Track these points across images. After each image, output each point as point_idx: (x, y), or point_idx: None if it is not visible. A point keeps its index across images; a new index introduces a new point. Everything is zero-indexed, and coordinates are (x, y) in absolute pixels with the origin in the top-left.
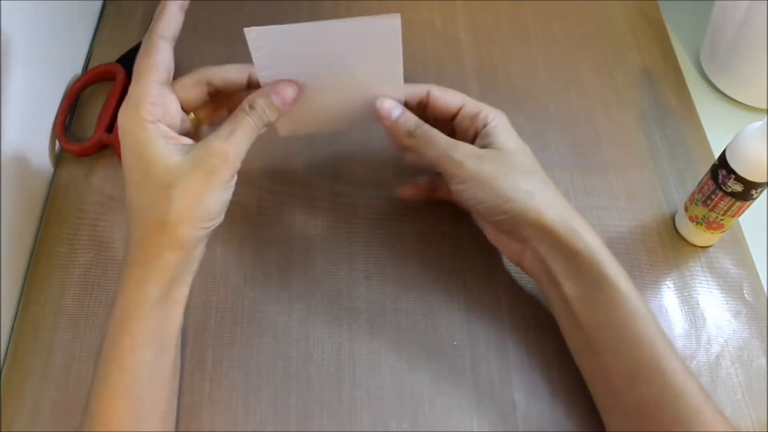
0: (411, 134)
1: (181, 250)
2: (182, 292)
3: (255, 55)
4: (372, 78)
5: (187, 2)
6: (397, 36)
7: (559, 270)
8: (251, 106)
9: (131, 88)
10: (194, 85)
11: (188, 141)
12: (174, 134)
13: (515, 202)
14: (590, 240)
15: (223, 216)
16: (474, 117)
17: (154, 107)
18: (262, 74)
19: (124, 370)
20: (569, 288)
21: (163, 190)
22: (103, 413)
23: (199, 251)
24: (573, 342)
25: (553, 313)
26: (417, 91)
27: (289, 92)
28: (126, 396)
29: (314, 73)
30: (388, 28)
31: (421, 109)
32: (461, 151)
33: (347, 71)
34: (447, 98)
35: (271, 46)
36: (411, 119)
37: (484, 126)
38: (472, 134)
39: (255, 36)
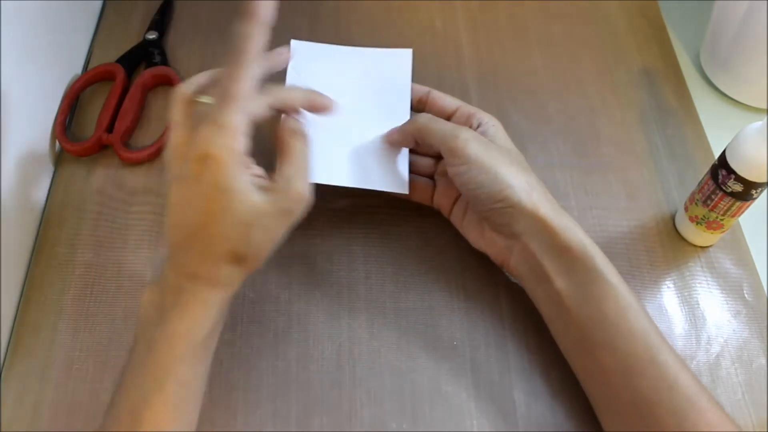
0: (413, 122)
1: (243, 280)
2: (224, 314)
3: (291, 61)
4: (382, 99)
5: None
6: (408, 65)
7: (551, 265)
8: (302, 135)
9: (222, 111)
10: (264, 109)
11: (259, 172)
12: (249, 164)
13: (515, 189)
14: (582, 236)
15: None
16: (470, 116)
17: (245, 139)
18: (291, 73)
19: (182, 384)
20: (561, 284)
21: (243, 227)
22: (151, 423)
23: None
24: (565, 342)
25: (542, 314)
26: (419, 89)
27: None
28: (178, 408)
29: (333, 84)
30: (401, 58)
31: (420, 108)
32: (467, 132)
33: (362, 89)
34: (445, 99)
35: (305, 56)
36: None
37: (479, 125)
38: None
39: (296, 46)
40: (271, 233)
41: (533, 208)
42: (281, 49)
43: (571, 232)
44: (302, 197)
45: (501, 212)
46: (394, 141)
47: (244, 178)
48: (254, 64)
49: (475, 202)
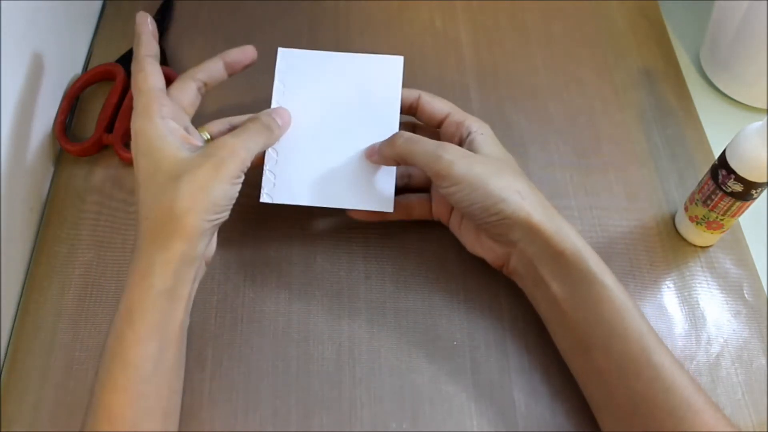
0: (393, 144)
1: (186, 240)
2: (186, 289)
3: (278, 67)
4: (370, 108)
5: (156, 29)
6: (399, 72)
7: (546, 270)
8: (255, 118)
9: (136, 100)
10: (183, 88)
11: (198, 142)
12: (184, 132)
13: (507, 202)
14: (576, 239)
15: (228, 212)
16: (460, 124)
17: (162, 107)
18: (278, 86)
19: (127, 364)
20: (557, 288)
21: (171, 181)
22: (105, 407)
23: (203, 246)
24: (562, 343)
25: (540, 315)
26: (409, 94)
27: (286, 116)
28: (128, 390)
29: (321, 94)
30: (392, 64)
31: (411, 113)
32: (451, 151)
33: (350, 98)
34: (435, 104)
35: (292, 64)
36: (387, 138)
37: (469, 134)
38: (457, 141)
39: (283, 54)
40: (200, 183)
41: (526, 217)
42: (246, 48)
43: (565, 236)
44: (232, 148)
45: (496, 224)
46: (375, 162)
47: (170, 139)
48: (151, 58)
49: (469, 217)
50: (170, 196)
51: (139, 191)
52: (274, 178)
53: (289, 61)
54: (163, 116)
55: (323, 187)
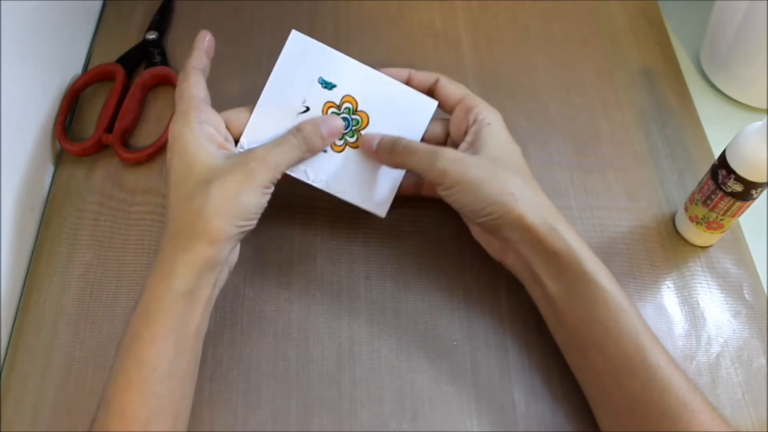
0: (391, 151)
1: (211, 243)
2: (206, 293)
3: (284, 52)
4: (393, 128)
5: (212, 47)
6: (430, 114)
7: (542, 270)
8: (298, 129)
9: (177, 106)
10: (245, 110)
11: (233, 149)
12: (220, 139)
13: (497, 205)
14: (570, 239)
15: (256, 221)
16: (468, 110)
17: (200, 112)
18: (278, 71)
19: (142, 363)
20: (553, 287)
21: (202, 185)
22: (118, 405)
23: (227, 251)
24: (560, 340)
25: (540, 312)
26: (428, 77)
27: (335, 127)
28: (142, 389)
29: (340, 93)
30: (425, 106)
31: (428, 95)
32: (443, 158)
33: (378, 117)
34: (450, 88)
35: (301, 54)
36: (388, 139)
37: (475, 122)
38: (464, 128)
39: (295, 38)
40: (230, 189)
41: (518, 218)
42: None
43: (558, 237)
44: (261, 157)
45: (488, 224)
46: (373, 160)
47: (205, 144)
48: (197, 70)
49: (464, 217)
50: (200, 200)
51: (169, 193)
52: None
53: (296, 50)
54: (200, 121)
55: (327, 172)
